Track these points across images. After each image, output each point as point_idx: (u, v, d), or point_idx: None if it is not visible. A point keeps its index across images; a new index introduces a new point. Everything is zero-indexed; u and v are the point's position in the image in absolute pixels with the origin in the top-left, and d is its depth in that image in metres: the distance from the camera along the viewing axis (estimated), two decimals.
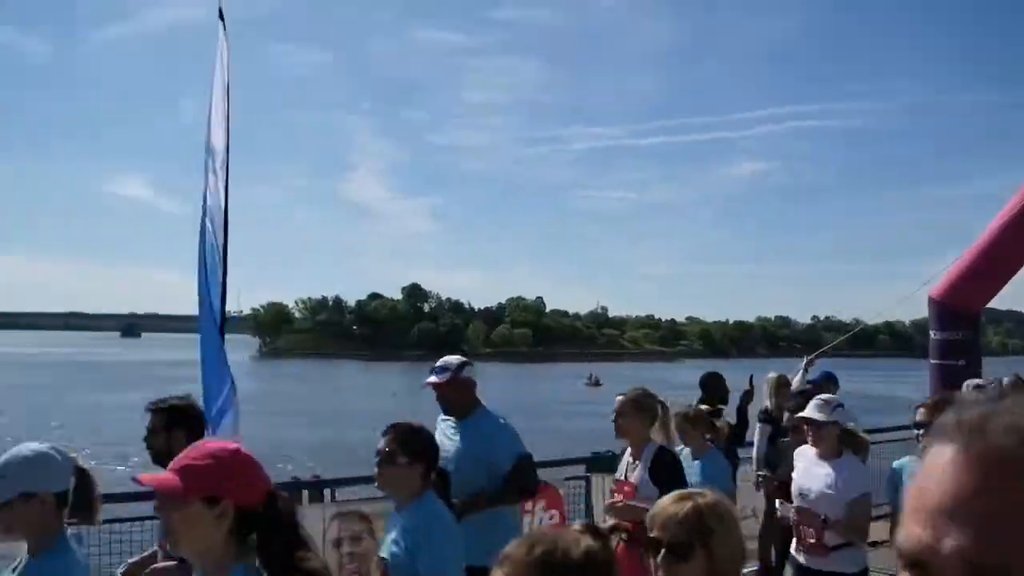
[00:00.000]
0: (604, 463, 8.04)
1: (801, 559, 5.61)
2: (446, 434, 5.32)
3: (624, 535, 4.28)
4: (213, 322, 5.32)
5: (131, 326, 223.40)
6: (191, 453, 2.42)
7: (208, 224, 5.50)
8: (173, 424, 4.42)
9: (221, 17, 5.72)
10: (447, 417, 5.41)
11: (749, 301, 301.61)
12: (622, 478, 5.88)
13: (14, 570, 2.87)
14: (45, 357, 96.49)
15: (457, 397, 5.34)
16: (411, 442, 4.03)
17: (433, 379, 5.31)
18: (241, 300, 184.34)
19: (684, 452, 6.45)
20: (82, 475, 3.00)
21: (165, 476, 2.39)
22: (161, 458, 4.28)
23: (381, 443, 4.04)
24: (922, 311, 12.91)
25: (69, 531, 2.97)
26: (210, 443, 2.50)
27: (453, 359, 5.44)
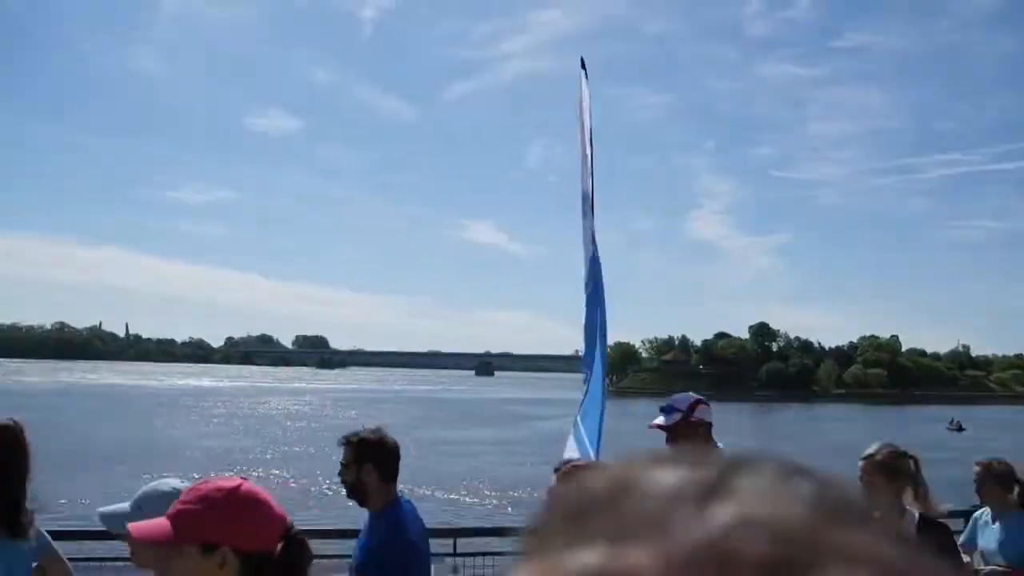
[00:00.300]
0: None
1: None
2: None
3: None
4: (602, 360, 5.54)
5: (485, 364, 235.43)
6: (186, 496, 2.18)
7: (594, 265, 5.80)
8: (363, 458, 4.38)
9: (583, 67, 6.06)
10: None
11: None
12: None
13: None
14: (408, 394, 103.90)
15: (689, 442, 4.63)
16: None
17: (660, 421, 4.73)
18: None
19: (984, 513, 5.78)
20: None
21: (156, 523, 2.18)
22: (353, 491, 4.39)
23: None
24: None
25: None
26: (207, 484, 2.20)
27: (684, 397, 4.80)
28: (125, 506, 2.83)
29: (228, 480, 2.20)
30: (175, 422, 50.40)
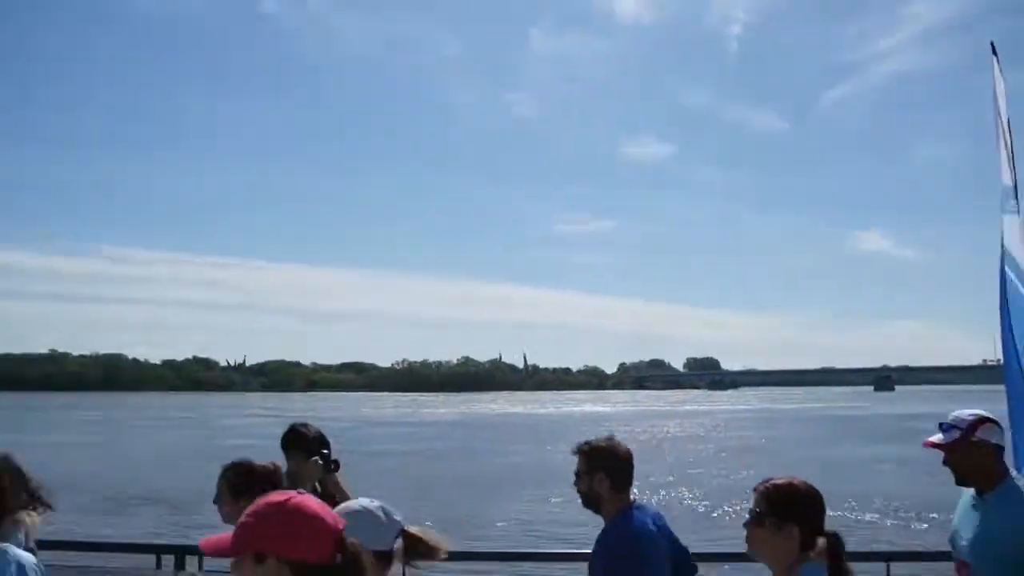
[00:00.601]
0: None
1: None
2: (960, 512, 4.27)
3: None
4: (1020, 372, 5.05)
5: (884, 379, 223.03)
6: (246, 511, 2.24)
7: (1010, 272, 5.29)
8: (595, 467, 4.45)
9: (994, 52, 5.63)
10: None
11: None
12: None
13: None
14: (802, 412, 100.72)
15: (969, 463, 4.17)
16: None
17: (937, 439, 4.26)
18: None
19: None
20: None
21: (222, 537, 2.27)
22: (587, 501, 4.48)
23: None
24: None
25: None
26: (262, 499, 2.25)
27: (969, 414, 4.21)
28: None
29: (280, 494, 2.26)
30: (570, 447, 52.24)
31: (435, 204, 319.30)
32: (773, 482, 3.38)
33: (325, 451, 5.39)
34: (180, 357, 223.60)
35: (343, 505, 2.91)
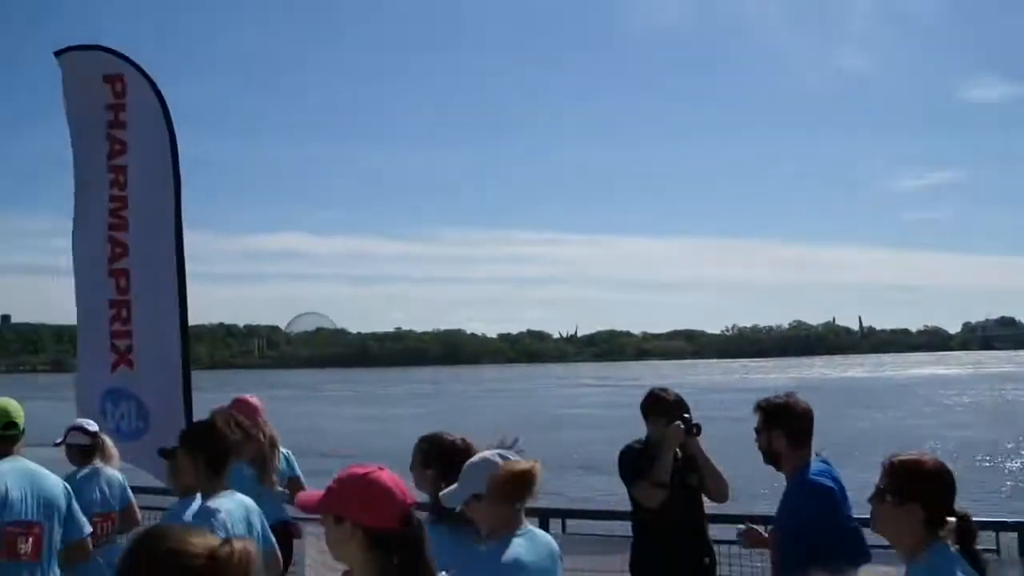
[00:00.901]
0: None
1: None
2: None
3: None
4: None
5: None
6: (336, 475, 2.67)
7: None
8: (772, 423, 4.47)
9: None
10: None
11: None
12: None
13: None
14: None
15: None
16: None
17: None
18: None
19: None
20: None
21: (313, 494, 2.71)
22: (767, 457, 4.52)
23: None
24: None
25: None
26: (351, 468, 2.68)
27: None
28: None
29: (362, 467, 2.67)
30: (911, 412, 49.55)
31: (763, 165, 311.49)
32: (900, 457, 3.21)
33: (686, 415, 5.36)
34: (515, 331, 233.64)
35: (472, 459, 3.41)
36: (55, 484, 4.74)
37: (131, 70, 7.35)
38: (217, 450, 4.63)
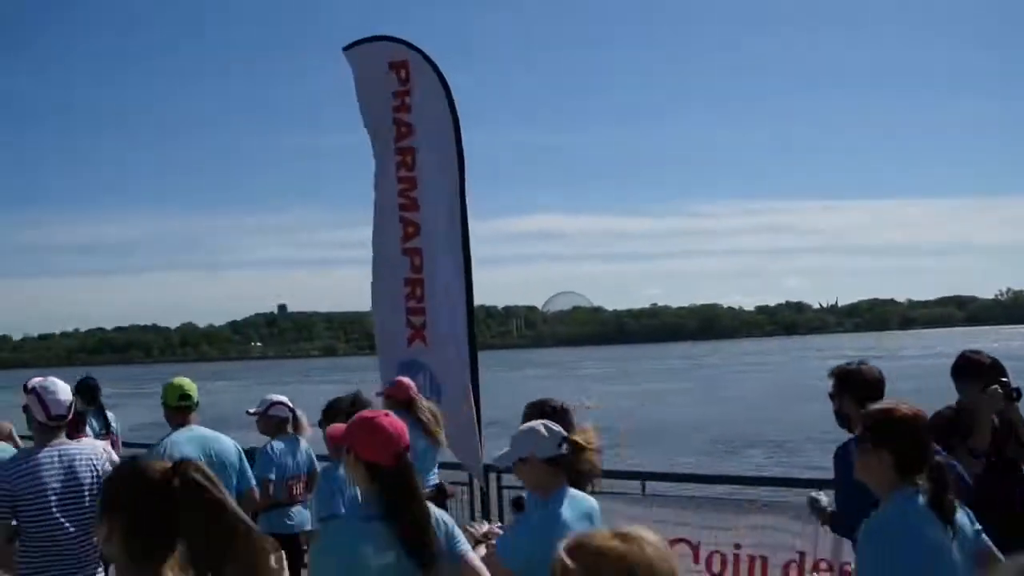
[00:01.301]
0: None
1: None
2: None
3: None
4: None
5: None
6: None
7: None
8: (843, 388, 4.65)
9: None
10: None
11: None
12: None
13: None
14: None
15: None
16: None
17: None
18: None
19: None
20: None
21: (339, 427, 3.58)
22: (840, 421, 4.66)
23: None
24: None
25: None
26: (363, 412, 3.49)
27: None
28: None
29: (372, 412, 3.45)
30: None
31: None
32: (875, 406, 3.38)
33: (1004, 379, 5.00)
34: (772, 302, 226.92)
35: (523, 426, 4.00)
36: (227, 446, 5.71)
37: (415, 55, 7.62)
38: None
